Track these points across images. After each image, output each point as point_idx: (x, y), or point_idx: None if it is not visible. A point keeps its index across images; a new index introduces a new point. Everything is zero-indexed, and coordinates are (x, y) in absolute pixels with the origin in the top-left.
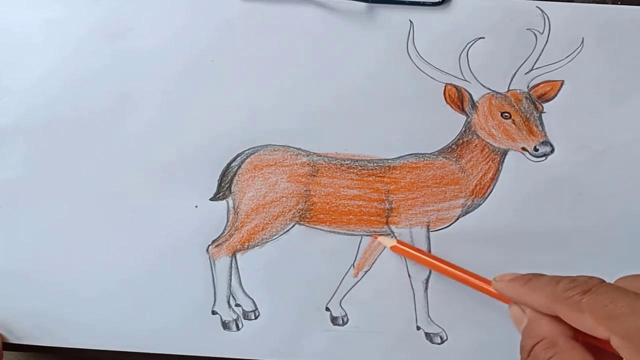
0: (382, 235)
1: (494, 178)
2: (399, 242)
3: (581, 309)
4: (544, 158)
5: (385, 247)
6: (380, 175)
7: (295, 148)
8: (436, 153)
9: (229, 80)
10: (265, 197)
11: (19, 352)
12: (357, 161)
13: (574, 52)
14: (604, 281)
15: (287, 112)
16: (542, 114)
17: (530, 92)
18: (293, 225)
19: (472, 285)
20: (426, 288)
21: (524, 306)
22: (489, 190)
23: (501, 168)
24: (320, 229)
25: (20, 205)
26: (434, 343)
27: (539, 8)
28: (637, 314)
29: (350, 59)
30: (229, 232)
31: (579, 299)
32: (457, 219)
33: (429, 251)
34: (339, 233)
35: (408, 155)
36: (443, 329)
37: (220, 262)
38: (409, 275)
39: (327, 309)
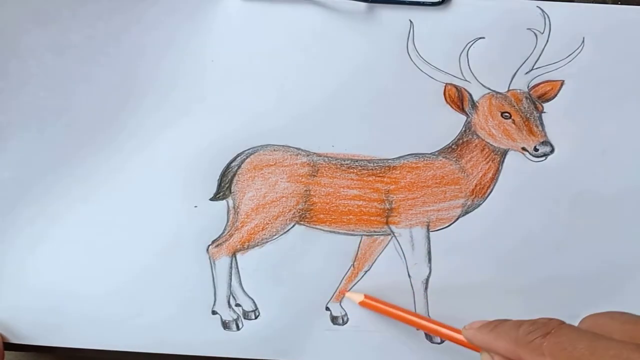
0: (350, 291)
1: (494, 178)
2: (366, 296)
3: (542, 352)
4: (544, 158)
5: (383, 249)
6: (380, 175)
7: (295, 148)
8: (436, 153)
9: (229, 80)
10: (265, 197)
11: (19, 352)
12: (357, 161)
13: (574, 52)
14: (564, 322)
15: (287, 112)
16: (542, 114)
17: (531, 92)
18: (293, 225)
19: (443, 336)
20: (426, 288)
21: (493, 353)
22: (489, 190)
23: (501, 168)
24: (320, 229)
25: (19, 205)
26: (433, 342)
27: (539, 8)
28: (596, 355)
29: (350, 59)
30: (229, 232)
31: (540, 343)
32: (457, 219)
33: (429, 251)
34: (339, 233)
35: (408, 155)
36: None
37: (220, 262)
38: (409, 275)
39: (327, 308)
